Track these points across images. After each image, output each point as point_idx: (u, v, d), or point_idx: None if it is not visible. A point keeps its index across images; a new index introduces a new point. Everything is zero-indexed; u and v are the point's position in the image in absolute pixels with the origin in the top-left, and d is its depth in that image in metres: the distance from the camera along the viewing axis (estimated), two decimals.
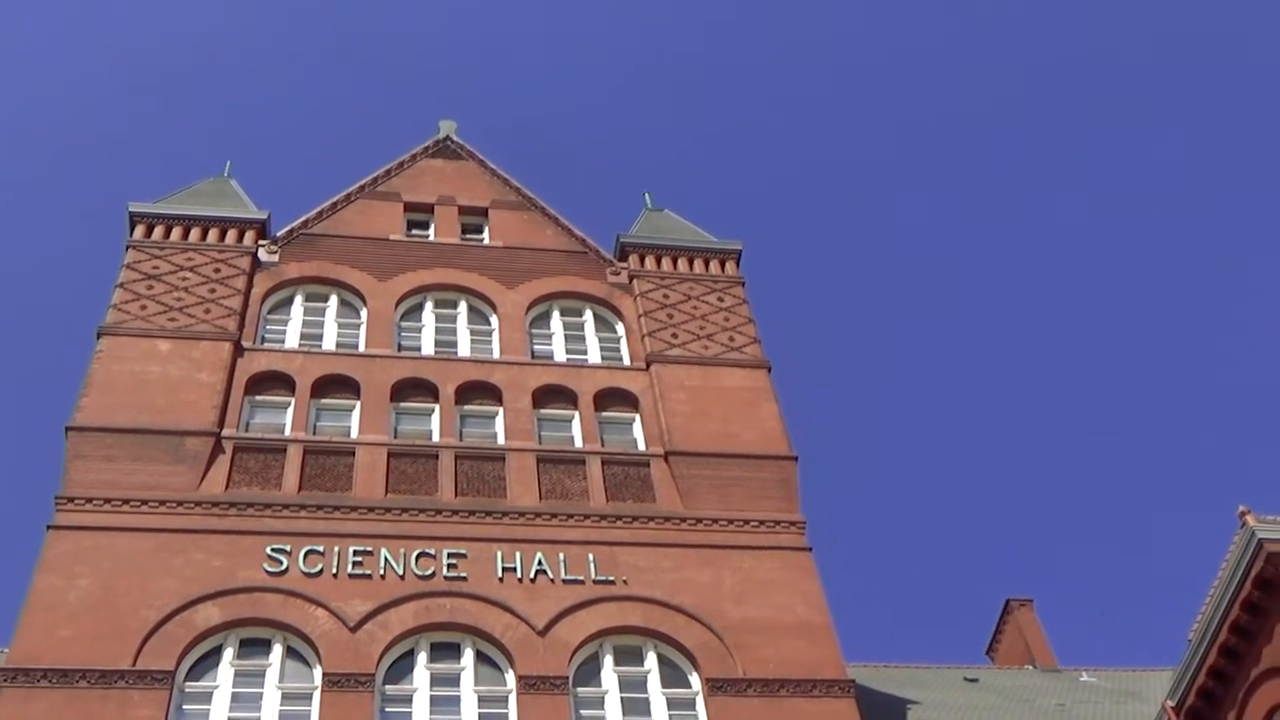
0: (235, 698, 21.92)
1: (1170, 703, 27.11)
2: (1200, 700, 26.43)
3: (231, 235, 31.69)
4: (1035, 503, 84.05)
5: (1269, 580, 24.81)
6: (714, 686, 23.04)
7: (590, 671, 23.37)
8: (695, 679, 23.41)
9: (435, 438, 27.36)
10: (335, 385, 28.29)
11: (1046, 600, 68.31)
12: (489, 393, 28.79)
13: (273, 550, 23.96)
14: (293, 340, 29.64)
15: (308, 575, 23.65)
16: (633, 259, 33.55)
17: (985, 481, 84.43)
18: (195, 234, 31.46)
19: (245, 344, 28.65)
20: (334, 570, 23.82)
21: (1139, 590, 79.31)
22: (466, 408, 28.41)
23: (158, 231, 31.34)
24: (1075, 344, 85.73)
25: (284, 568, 23.71)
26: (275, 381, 28.14)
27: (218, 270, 30.40)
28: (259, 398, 27.74)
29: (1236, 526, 25.95)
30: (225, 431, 26.22)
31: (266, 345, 29.22)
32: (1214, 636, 25.96)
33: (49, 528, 23.64)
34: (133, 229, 31.33)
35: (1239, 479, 78.06)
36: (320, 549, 24.13)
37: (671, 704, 23.04)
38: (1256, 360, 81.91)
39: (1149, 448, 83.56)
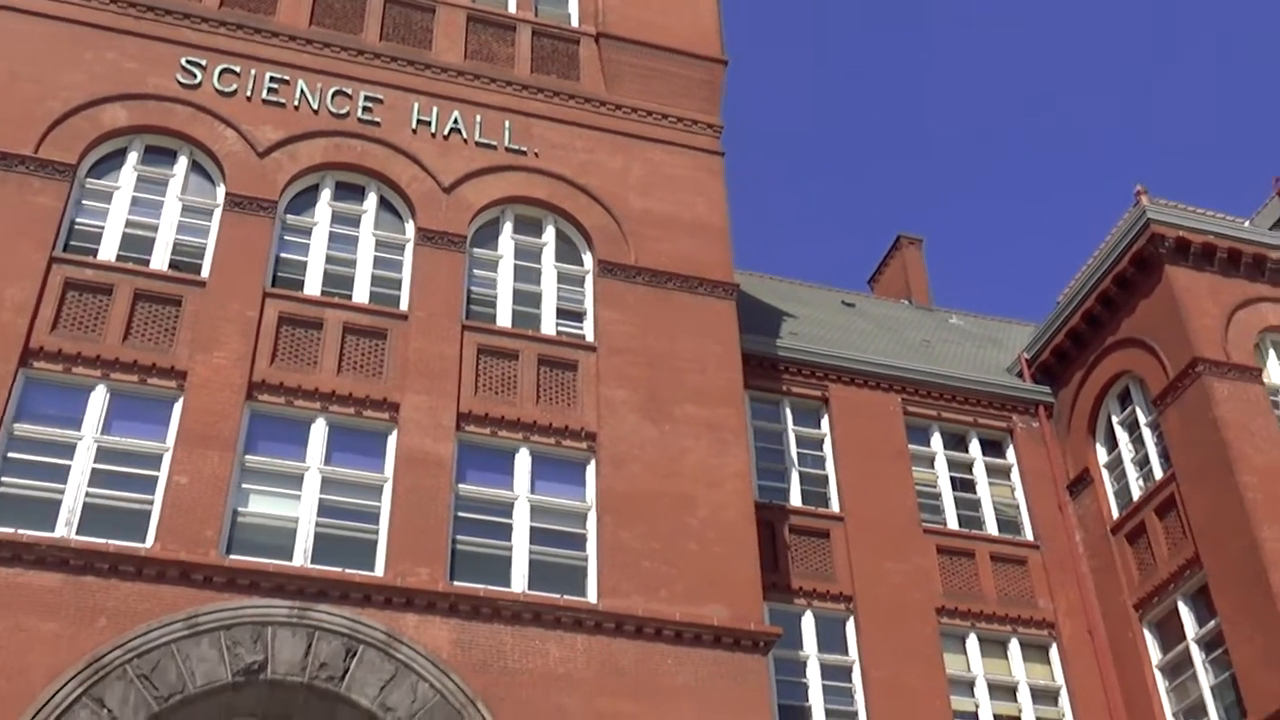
0: (135, 201, 22.07)
1: (1026, 355, 28.83)
2: (1053, 357, 28.13)
3: None
4: (945, 151, 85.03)
5: (1146, 258, 25.98)
6: (605, 268, 23.76)
7: (489, 235, 23.88)
8: (588, 258, 24.08)
9: None
10: None
11: (936, 245, 70.43)
12: None
13: (187, 62, 23.54)
14: None
15: (221, 94, 23.40)
16: None
17: (904, 122, 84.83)
18: None
19: None
20: (248, 93, 23.56)
21: (1023, 250, 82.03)
22: None
23: None
24: (1009, 12, 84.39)
25: (197, 82, 23.39)
26: None
27: None
28: None
29: (1130, 204, 26.91)
30: None
31: None
32: (1081, 301, 27.37)
33: None
34: None
35: (1137, 166, 79.74)
36: (236, 69, 23.77)
37: (561, 278, 23.74)
38: (1187, 43, 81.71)
39: (1062, 125, 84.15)
